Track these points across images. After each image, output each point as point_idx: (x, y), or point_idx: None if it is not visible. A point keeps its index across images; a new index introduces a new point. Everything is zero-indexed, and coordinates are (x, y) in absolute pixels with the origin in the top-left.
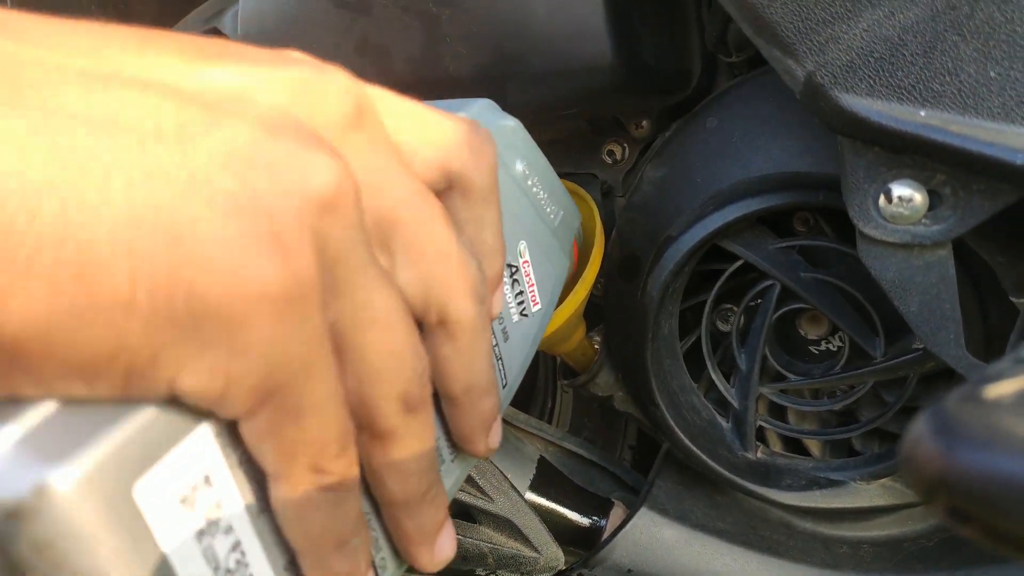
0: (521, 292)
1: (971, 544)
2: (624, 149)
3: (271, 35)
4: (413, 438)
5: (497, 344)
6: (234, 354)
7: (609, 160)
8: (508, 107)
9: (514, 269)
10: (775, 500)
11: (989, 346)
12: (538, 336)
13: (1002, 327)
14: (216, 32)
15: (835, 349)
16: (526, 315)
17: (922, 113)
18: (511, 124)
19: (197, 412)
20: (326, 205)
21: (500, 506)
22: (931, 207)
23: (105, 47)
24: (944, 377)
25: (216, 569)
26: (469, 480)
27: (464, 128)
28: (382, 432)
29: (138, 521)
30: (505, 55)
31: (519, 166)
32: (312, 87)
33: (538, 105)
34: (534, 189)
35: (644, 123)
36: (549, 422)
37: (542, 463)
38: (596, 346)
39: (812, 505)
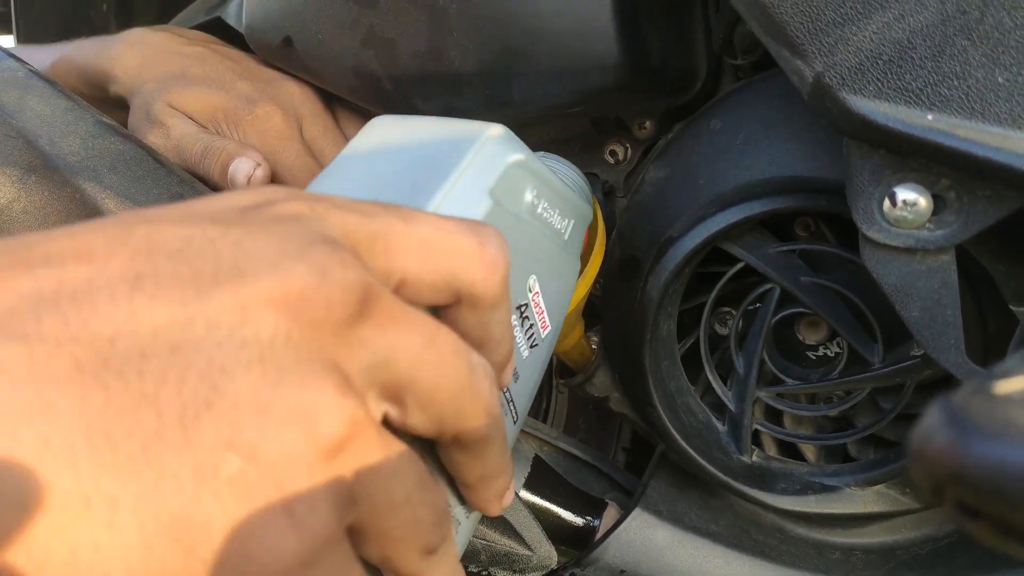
0: (531, 325)
1: (964, 554)
2: (627, 149)
3: (276, 26)
4: (439, 567)
5: (508, 389)
6: None
7: (611, 160)
8: (513, 103)
9: (523, 307)
10: (769, 504)
11: (987, 354)
12: (548, 354)
13: (1001, 336)
14: (219, 22)
15: (833, 355)
16: (536, 344)
17: (929, 117)
18: (520, 158)
19: None
20: (336, 447)
21: None
22: (935, 212)
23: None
24: (941, 385)
25: None
26: None
27: (473, 244)
28: (407, 573)
29: None
30: (511, 51)
31: (528, 196)
32: (313, 300)
33: (542, 102)
34: (544, 214)
35: (647, 124)
36: (544, 422)
37: (537, 462)
38: (594, 346)
39: (806, 510)
